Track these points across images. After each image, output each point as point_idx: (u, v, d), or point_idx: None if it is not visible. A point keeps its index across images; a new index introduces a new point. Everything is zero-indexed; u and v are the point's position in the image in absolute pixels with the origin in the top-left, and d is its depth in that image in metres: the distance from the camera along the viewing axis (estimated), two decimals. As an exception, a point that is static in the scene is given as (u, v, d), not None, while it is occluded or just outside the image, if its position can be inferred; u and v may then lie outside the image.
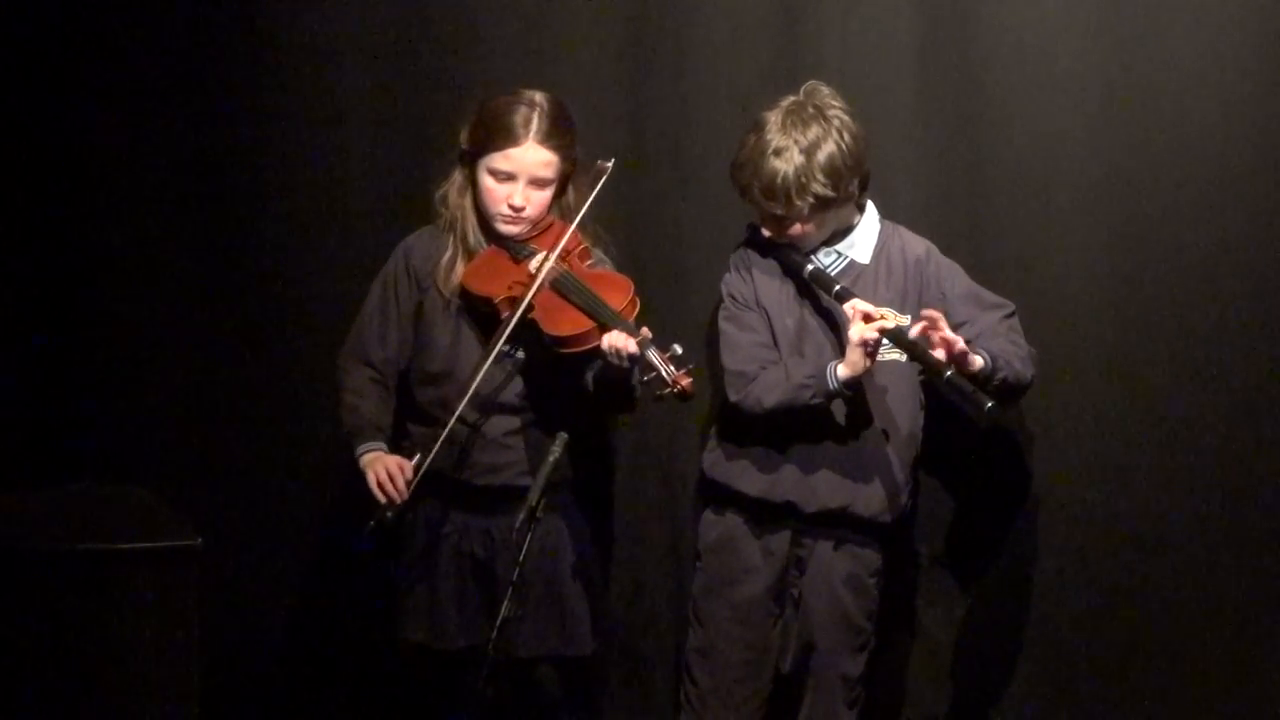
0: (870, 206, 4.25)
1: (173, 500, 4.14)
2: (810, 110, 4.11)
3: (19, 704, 3.71)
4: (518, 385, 4.19)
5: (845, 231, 4.22)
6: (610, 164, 4.14)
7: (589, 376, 4.13)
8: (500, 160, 4.16)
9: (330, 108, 4.57)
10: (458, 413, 4.08)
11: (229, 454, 4.63)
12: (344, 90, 4.57)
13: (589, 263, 4.20)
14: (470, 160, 4.21)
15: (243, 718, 4.60)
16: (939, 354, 3.99)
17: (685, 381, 3.92)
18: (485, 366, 4.07)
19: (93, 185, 4.62)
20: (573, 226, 4.14)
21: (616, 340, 3.97)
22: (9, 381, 4.60)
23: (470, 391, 4.07)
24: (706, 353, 4.32)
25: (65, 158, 4.61)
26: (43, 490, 4.18)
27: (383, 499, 4.11)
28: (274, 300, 4.63)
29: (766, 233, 4.20)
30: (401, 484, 4.10)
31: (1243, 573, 4.39)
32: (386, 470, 4.12)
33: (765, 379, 4.13)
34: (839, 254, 4.22)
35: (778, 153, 4.08)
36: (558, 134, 4.16)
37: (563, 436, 3.87)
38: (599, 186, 4.12)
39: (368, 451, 4.18)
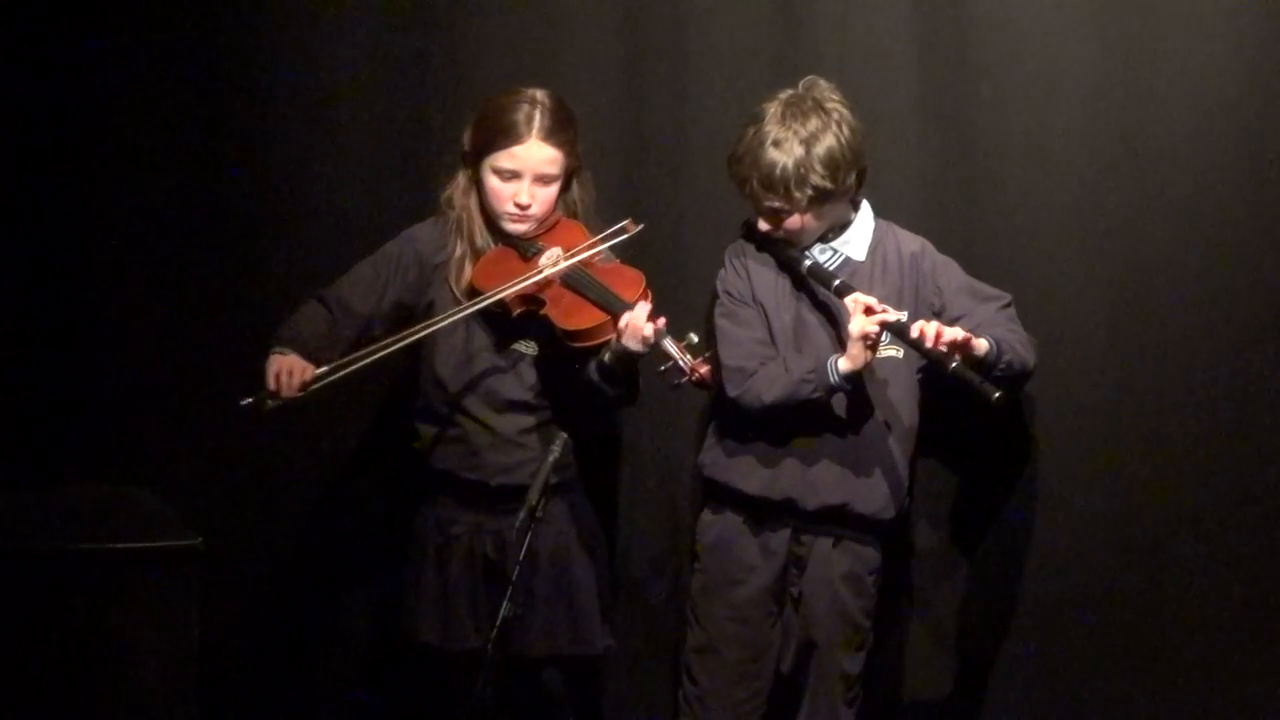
0: (865, 204, 4.25)
1: (173, 500, 4.15)
2: (809, 103, 4.11)
3: (20, 704, 3.72)
4: (531, 383, 4.18)
5: (840, 228, 4.22)
6: (639, 228, 4.11)
7: (591, 368, 4.09)
8: (504, 159, 4.15)
9: (328, 109, 4.57)
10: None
11: (229, 454, 4.62)
12: (342, 91, 4.56)
13: (599, 257, 4.19)
14: (474, 161, 4.20)
15: (243, 718, 4.60)
16: (943, 347, 3.98)
17: (703, 369, 3.93)
18: (460, 314, 4.07)
19: (93, 185, 4.61)
20: (573, 260, 4.09)
21: (635, 328, 3.96)
22: (9, 381, 4.60)
23: (442, 323, 4.06)
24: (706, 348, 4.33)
25: (65, 157, 4.60)
26: (43, 490, 4.19)
27: (272, 386, 4.03)
28: (274, 300, 4.62)
29: (765, 227, 4.19)
30: (296, 383, 4.02)
31: (1240, 566, 4.39)
32: (290, 367, 4.04)
33: (764, 374, 4.12)
34: (834, 250, 4.21)
35: (777, 144, 4.07)
36: (560, 130, 4.16)
37: (563, 436, 3.86)
38: (613, 242, 4.11)
39: (281, 353, 4.09)
